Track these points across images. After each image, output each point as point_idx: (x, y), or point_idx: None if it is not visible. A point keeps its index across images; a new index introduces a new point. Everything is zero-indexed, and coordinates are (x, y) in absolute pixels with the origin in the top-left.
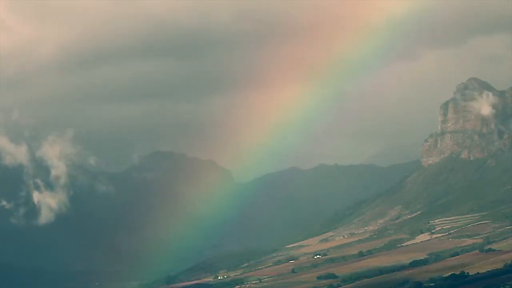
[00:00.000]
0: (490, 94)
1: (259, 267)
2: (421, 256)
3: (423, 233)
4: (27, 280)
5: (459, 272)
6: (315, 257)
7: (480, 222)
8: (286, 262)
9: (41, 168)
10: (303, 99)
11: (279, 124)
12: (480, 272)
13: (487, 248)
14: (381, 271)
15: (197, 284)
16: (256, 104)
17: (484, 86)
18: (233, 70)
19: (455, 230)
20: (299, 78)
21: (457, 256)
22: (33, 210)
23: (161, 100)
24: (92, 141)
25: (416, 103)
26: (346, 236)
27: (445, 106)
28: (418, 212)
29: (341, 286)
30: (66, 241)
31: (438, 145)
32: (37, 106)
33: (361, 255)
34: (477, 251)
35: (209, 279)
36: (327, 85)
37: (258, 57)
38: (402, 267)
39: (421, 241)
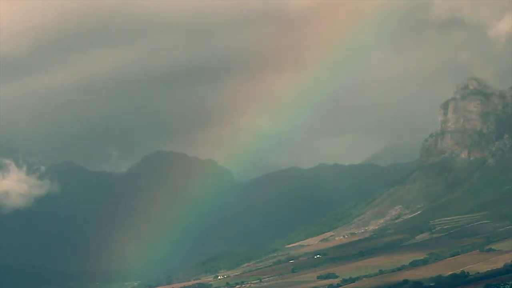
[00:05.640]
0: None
1: (259, 267)
2: (421, 256)
3: (423, 232)
4: (26, 280)
5: (459, 272)
6: (315, 257)
7: (480, 222)
8: (286, 262)
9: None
10: (300, 96)
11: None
12: (480, 272)
13: (487, 248)
14: (381, 271)
15: (197, 284)
16: (252, 98)
17: (484, 86)
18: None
19: (455, 229)
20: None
21: (457, 256)
22: (31, 210)
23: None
24: (92, 140)
25: (416, 102)
26: (346, 236)
27: (445, 105)
28: (418, 212)
29: (341, 286)
30: (66, 241)
31: (438, 145)
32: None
33: (361, 255)
34: (477, 251)
35: (209, 279)
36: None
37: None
38: (402, 267)
39: (421, 241)
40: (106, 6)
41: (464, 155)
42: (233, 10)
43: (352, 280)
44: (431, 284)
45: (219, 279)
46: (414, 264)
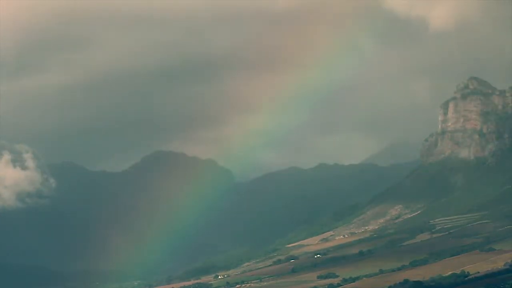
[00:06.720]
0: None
1: (259, 267)
2: (421, 256)
3: (423, 232)
4: (26, 280)
5: (459, 272)
6: (315, 256)
7: (480, 222)
8: (286, 262)
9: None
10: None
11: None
12: (480, 272)
13: (487, 248)
14: (381, 271)
15: (197, 284)
16: (252, 97)
17: (484, 86)
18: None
19: (456, 229)
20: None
21: (457, 256)
22: (31, 209)
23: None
24: (92, 140)
25: (416, 102)
26: (346, 236)
27: (445, 105)
28: (418, 212)
29: (341, 286)
30: (66, 241)
31: (438, 145)
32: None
33: (361, 255)
34: (477, 251)
35: (209, 279)
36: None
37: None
38: (402, 267)
39: (421, 241)
40: (106, 5)
41: (464, 154)
42: (233, 9)
43: (352, 280)
44: (431, 284)
45: (219, 279)
46: (414, 264)
